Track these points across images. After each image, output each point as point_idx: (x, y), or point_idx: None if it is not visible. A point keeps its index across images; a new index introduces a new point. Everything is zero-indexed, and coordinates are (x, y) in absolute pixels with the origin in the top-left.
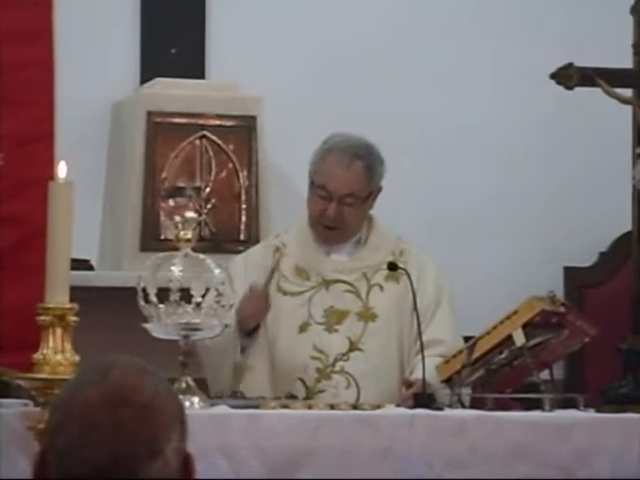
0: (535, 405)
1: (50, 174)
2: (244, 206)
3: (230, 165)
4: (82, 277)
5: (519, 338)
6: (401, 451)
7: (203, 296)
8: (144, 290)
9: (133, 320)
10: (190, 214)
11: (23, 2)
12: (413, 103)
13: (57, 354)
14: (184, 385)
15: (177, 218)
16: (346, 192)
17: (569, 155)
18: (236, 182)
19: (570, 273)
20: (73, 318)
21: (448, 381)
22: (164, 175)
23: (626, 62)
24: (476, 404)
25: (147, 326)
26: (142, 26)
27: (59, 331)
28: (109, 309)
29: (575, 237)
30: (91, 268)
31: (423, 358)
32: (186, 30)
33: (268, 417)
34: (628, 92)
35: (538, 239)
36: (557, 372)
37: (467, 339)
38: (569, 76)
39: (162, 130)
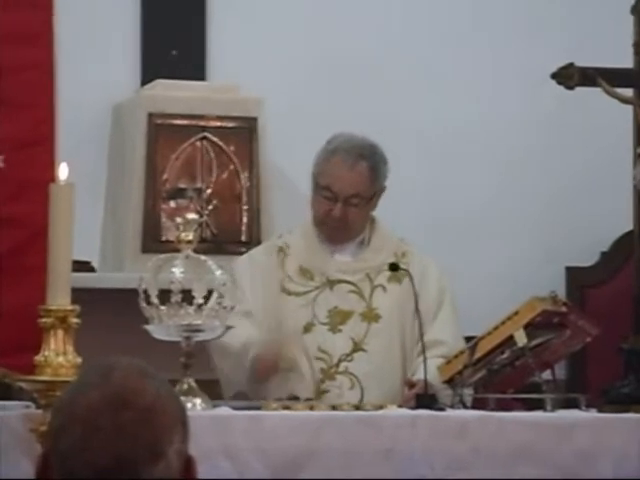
0: (537, 405)
1: (51, 176)
2: (245, 207)
3: (231, 166)
4: (83, 279)
5: (521, 338)
6: (403, 452)
7: (205, 297)
8: (145, 292)
9: (135, 322)
10: (191, 215)
11: (23, 4)
12: (412, 104)
13: (59, 356)
14: (186, 387)
15: (178, 219)
16: (351, 193)
17: (570, 155)
18: (237, 183)
19: (572, 273)
20: (75, 320)
21: (450, 382)
22: (165, 177)
23: (627, 62)
24: (478, 404)
25: (149, 328)
26: (142, 28)
27: (61, 333)
28: (111, 311)
29: (576, 237)
30: (92, 270)
31: (425, 359)
32: (187, 32)
33: (270, 418)
34: (629, 92)
35: (539, 239)
36: (559, 372)
37: (468, 339)
38: (570, 76)
39: (163, 132)
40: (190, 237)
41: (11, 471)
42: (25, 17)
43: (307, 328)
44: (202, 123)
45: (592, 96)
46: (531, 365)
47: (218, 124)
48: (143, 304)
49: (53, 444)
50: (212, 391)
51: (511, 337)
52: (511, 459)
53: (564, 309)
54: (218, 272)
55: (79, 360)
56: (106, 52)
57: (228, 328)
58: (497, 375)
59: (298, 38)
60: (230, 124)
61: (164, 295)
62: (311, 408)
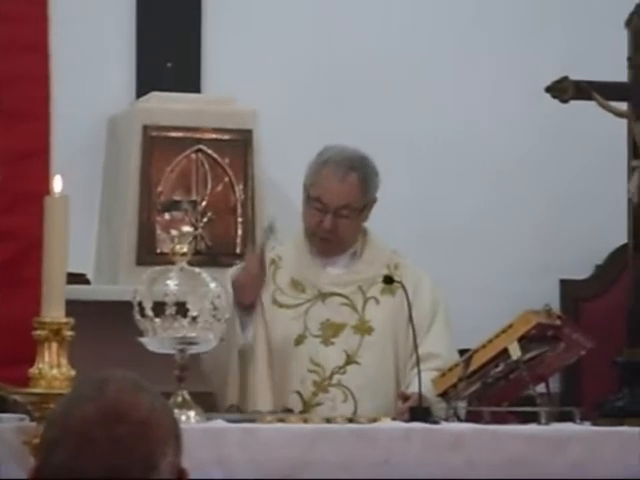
0: (531, 418)
1: (46, 188)
2: (240, 219)
3: (226, 179)
4: (78, 291)
5: (515, 351)
6: (397, 464)
7: (199, 310)
8: (140, 304)
9: (129, 334)
10: (186, 228)
11: (19, 16)
12: (406, 116)
13: (53, 368)
14: (180, 399)
15: (173, 232)
16: (342, 204)
17: (564, 168)
18: (232, 196)
19: (566, 286)
20: (69, 332)
21: (444, 395)
22: (160, 189)
23: (621, 75)
24: (472, 417)
25: (143, 340)
26: (138, 40)
27: (55, 345)
28: (105, 323)
29: (571, 250)
30: (87, 282)
31: (419, 372)
32: (182, 44)
33: (264, 431)
34: (623, 105)
35: (534, 252)
36: (553, 385)
37: (463, 352)
38: (564, 89)
39: (158, 144)
40: (185, 249)
41: None
42: (21, 29)
43: (299, 340)
44: (197, 135)
45: (586, 108)
46: (525, 378)
47: (213, 136)
48: (137, 316)
49: (46, 457)
50: (206, 403)
51: (505, 350)
52: (505, 472)
53: (558, 322)
54: (212, 284)
55: (73, 373)
56: (101, 64)
57: (222, 340)
58: (491, 388)
59: (293, 51)
60: (225, 136)
61: (158, 307)
62: (305, 421)
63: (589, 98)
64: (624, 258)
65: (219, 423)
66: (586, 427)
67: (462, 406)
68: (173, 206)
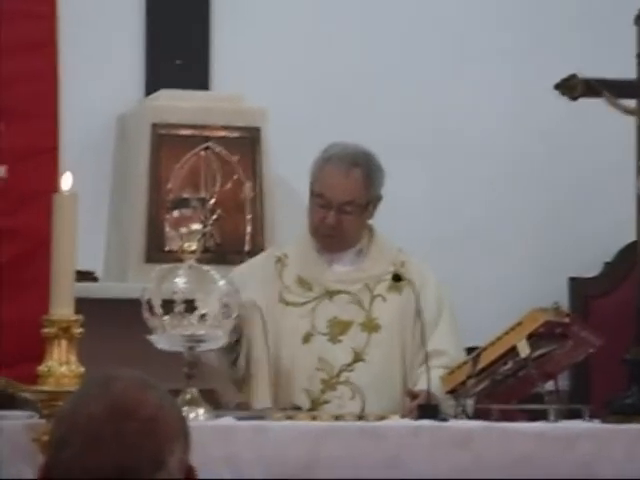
0: (540, 416)
1: (55, 186)
2: (249, 217)
3: (235, 176)
4: (87, 289)
5: (524, 349)
6: (406, 462)
7: (207, 308)
8: (149, 302)
9: (138, 332)
10: (195, 225)
11: (28, 14)
12: (415, 116)
13: (62, 366)
14: (189, 396)
15: (182, 229)
16: (345, 200)
17: (573, 166)
18: (241, 193)
19: (575, 284)
20: (78, 330)
21: (453, 392)
22: (169, 186)
23: (630, 73)
24: (481, 415)
25: (152, 338)
26: (147, 38)
27: (64, 343)
28: (114, 321)
29: (580, 248)
30: (96, 280)
31: (428, 369)
32: (191, 42)
33: (273, 428)
34: (632, 102)
35: (543, 250)
36: (562, 383)
37: (472, 350)
38: (573, 87)
39: (167, 142)
40: (193, 247)
41: None
42: (29, 27)
43: (306, 339)
44: (206, 133)
45: (594, 107)
46: (534, 376)
47: (222, 134)
48: (146, 314)
49: (54, 454)
50: (215, 401)
51: (514, 348)
52: (514, 469)
53: (567, 320)
54: (221, 282)
55: (82, 370)
56: (110, 62)
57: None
58: (500, 386)
59: (302, 49)
60: (234, 134)
61: (167, 305)
62: (314, 418)
63: (598, 95)
64: (633, 255)
65: (228, 421)
66: (595, 425)
67: (471, 404)
68: (182, 204)
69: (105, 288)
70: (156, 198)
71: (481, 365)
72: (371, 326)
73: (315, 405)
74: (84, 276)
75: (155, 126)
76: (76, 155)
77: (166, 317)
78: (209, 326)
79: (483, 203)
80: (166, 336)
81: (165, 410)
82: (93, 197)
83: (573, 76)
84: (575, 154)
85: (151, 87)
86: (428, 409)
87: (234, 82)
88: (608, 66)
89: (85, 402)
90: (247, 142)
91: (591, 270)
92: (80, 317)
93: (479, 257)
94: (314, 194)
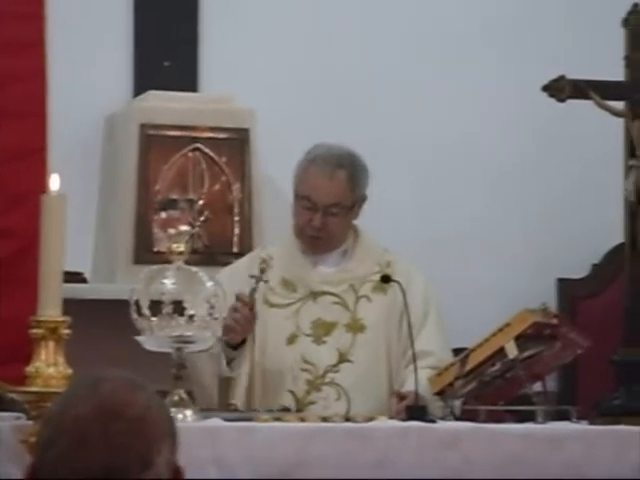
0: (528, 417)
1: (43, 187)
2: (237, 218)
3: (223, 177)
4: (75, 290)
5: (512, 350)
6: (394, 463)
7: (195, 309)
8: (137, 303)
9: (126, 333)
10: (183, 227)
11: (16, 15)
12: (404, 117)
13: (49, 367)
14: (177, 398)
15: (170, 231)
16: (331, 202)
17: (561, 167)
18: (229, 194)
19: (563, 285)
20: (66, 331)
21: (441, 393)
22: (157, 188)
23: (618, 75)
24: (469, 416)
25: (140, 339)
26: (135, 39)
27: (52, 344)
28: (102, 322)
29: (568, 249)
30: (84, 281)
31: (416, 370)
32: (179, 43)
33: (261, 429)
34: (620, 104)
35: (531, 251)
36: (550, 384)
37: (460, 351)
38: (561, 88)
39: (155, 143)
40: (182, 248)
41: None
42: (18, 28)
43: (291, 340)
44: (194, 134)
45: (582, 108)
46: (522, 377)
47: (210, 135)
48: (134, 315)
49: (41, 454)
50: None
51: (502, 349)
52: (502, 471)
53: (555, 321)
54: (209, 283)
55: (70, 371)
56: (98, 63)
57: (219, 340)
58: (488, 387)
59: (291, 50)
60: (222, 135)
61: (155, 306)
62: (302, 419)
63: (586, 97)
64: (621, 257)
65: (215, 422)
66: (583, 426)
67: (458, 405)
68: (170, 205)
69: (93, 289)
70: (144, 199)
71: (469, 366)
72: (356, 327)
73: (300, 406)
74: (72, 277)
75: (143, 127)
76: (64, 156)
77: (154, 318)
78: (197, 327)
79: (472, 205)
80: (154, 337)
81: (153, 410)
82: (81, 198)
83: (561, 77)
84: (563, 156)
85: (139, 88)
86: (416, 410)
87: (223, 83)
88: (596, 68)
89: (73, 402)
90: (236, 143)
91: (579, 271)
92: (68, 318)
93: (467, 258)
94: (299, 196)
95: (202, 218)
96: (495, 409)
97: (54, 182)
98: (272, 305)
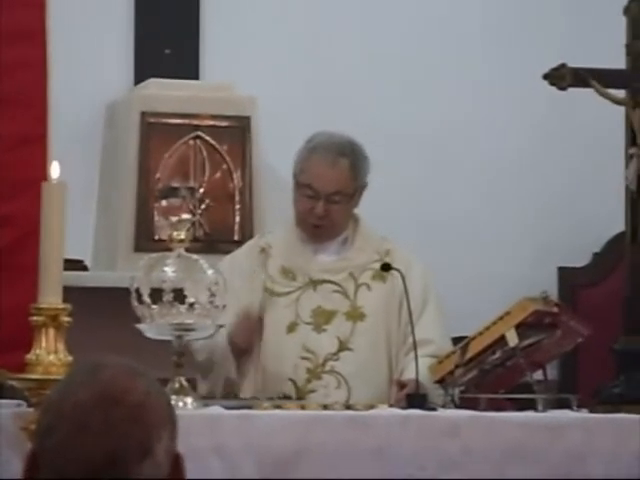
0: (528, 406)
1: (43, 175)
2: (238, 206)
3: (224, 165)
4: (76, 277)
5: (512, 338)
6: (394, 451)
7: (196, 297)
8: (137, 290)
9: (126, 320)
10: (184, 215)
11: (17, 3)
12: (405, 106)
13: (50, 354)
14: (177, 385)
15: (171, 218)
16: (333, 190)
17: (562, 156)
18: (230, 182)
19: (564, 273)
20: (66, 318)
21: (441, 381)
22: (158, 176)
23: (619, 63)
24: (469, 404)
25: (140, 326)
26: (136, 27)
27: (52, 331)
28: (102, 309)
29: (569, 238)
30: (85, 268)
31: (416, 358)
32: (180, 30)
33: (261, 417)
34: (621, 93)
35: (532, 240)
36: (550, 372)
37: (460, 340)
38: (562, 77)
39: (156, 131)
40: (182, 236)
41: (2, 469)
42: (19, 16)
43: (291, 328)
44: (195, 122)
45: (583, 97)
46: (522, 365)
47: (211, 123)
48: (135, 303)
49: (41, 442)
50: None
51: (502, 337)
52: (502, 459)
53: (556, 309)
54: (210, 271)
55: (70, 359)
56: (99, 51)
57: (220, 327)
58: (488, 375)
59: (292, 38)
60: (223, 123)
61: (156, 294)
62: (302, 407)
63: (587, 85)
64: (621, 246)
65: (216, 409)
66: (583, 414)
67: (458, 393)
68: (171, 193)
69: (94, 277)
70: (145, 187)
71: (469, 355)
72: (356, 315)
73: (301, 394)
74: (73, 265)
75: (144, 115)
76: (65, 143)
77: (155, 306)
78: (198, 315)
79: (473, 193)
80: (155, 325)
81: (152, 397)
82: (82, 185)
83: (562, 66)
84: (564, 145)
85: (140, 76)
86: (416, 398)
87: (224, 71)
88: (598, 56)
89: (73, 389)
90: (237, 131)
91: (580, 260)
92: (68, 306)
93: (468, 247)
94: (300, 184)
95: (203, 206)
96: (495, 397)
97: (55, 170)
98: (272, 293)
